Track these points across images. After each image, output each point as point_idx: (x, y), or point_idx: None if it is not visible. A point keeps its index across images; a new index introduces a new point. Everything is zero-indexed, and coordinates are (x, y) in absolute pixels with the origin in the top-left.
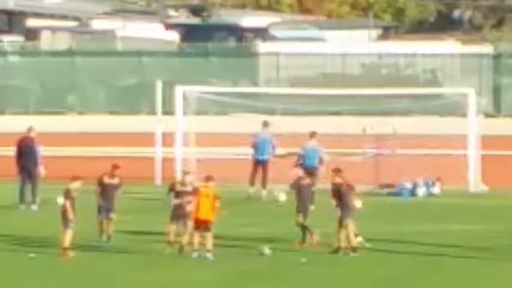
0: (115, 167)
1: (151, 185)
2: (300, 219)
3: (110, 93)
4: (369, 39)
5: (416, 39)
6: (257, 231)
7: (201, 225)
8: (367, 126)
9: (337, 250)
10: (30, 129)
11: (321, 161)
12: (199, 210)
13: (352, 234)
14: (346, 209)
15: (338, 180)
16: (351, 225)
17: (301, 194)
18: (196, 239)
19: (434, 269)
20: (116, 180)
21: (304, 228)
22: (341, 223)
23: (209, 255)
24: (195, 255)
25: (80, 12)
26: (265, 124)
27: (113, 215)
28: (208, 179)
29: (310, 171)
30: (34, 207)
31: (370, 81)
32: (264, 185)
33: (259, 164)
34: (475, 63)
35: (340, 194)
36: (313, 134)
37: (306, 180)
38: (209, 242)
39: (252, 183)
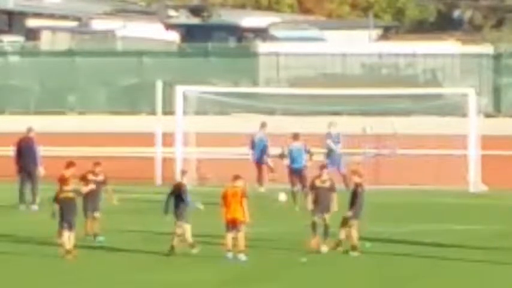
0: (97, 164)
1: (151, 185)
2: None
3: (110, 93)
4: (369, 39)
5: (416, 39)
6: (257, 231)
7: (231, 225)
8: (367, 126)
9: (338, 245)
10: (29, 130)
11: (310, 158)
12: (228, 210)
13: (355, 234)
14: (357, 209)
15: (357, 180)
16: (356, 225)
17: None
18: (229, 239)
19: (434, 269)
20: (100, 178)
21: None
22: (346, 221)
23: (241, 255)
24: (229, 255)
25: (80, 12)
26: (263, 125)
27: (97, 214)
28: (235, 178)
29: (298, 173)
30: (34, 207)
31: (370, 81)
32: (260, 183)
33: (258, 164)
34: (475, 63)
35: (355, 194)
36: (296, 136)
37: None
38: (241, 243)
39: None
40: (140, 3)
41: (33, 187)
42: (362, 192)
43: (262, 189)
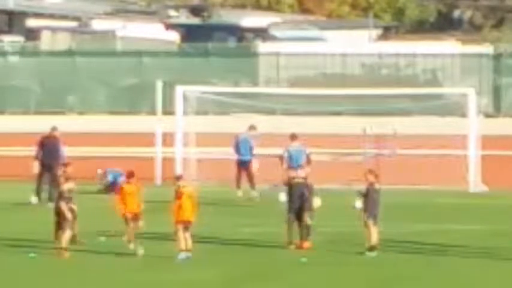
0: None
1: (151, 185)
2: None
3: (110, 93)
4: (369, 39)
5: (416, 39)
6: (257, 231)
7: (186, 226)
8: (367, 126)
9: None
10: (54, 128)
11: (308, 161)
12: (184, 212)
13: (374, 234)
14: (369, 208)
15: (371, 179)
16: (372, 225)
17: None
18: (184, 240)
19: (435, 269)
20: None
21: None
22: (366, 222)
23: (189, 254)
24: (183, 256)
25: (80, 12)
26: (251, 127)
27: None
28: (179, 178)
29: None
30: (50, 204)
31: (370, 81)
32: (252, 185)
33: (242, 165)
34: (475, 63)
35: (367, 193)
36: (294, 136)
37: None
38: (190, 242)
39: (238, 186)
40: (140, 3)
41: (52, 184)
42: (372, 191)
43: (254, 193)
